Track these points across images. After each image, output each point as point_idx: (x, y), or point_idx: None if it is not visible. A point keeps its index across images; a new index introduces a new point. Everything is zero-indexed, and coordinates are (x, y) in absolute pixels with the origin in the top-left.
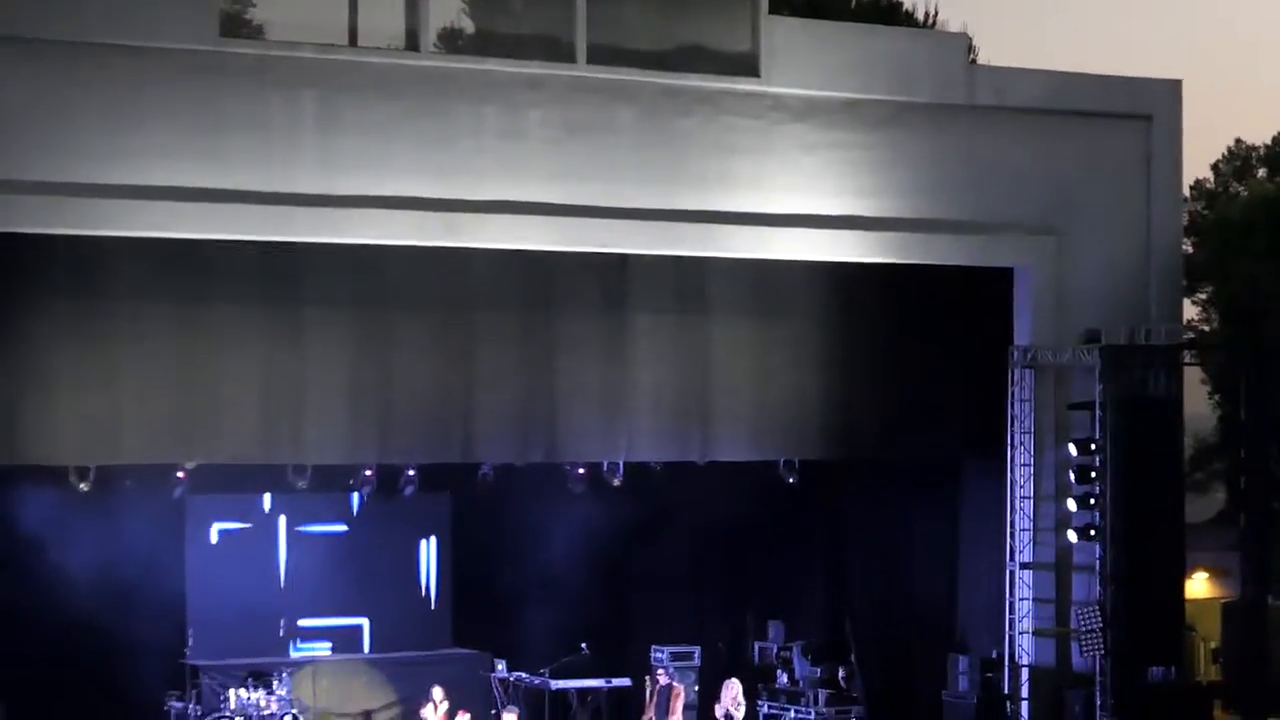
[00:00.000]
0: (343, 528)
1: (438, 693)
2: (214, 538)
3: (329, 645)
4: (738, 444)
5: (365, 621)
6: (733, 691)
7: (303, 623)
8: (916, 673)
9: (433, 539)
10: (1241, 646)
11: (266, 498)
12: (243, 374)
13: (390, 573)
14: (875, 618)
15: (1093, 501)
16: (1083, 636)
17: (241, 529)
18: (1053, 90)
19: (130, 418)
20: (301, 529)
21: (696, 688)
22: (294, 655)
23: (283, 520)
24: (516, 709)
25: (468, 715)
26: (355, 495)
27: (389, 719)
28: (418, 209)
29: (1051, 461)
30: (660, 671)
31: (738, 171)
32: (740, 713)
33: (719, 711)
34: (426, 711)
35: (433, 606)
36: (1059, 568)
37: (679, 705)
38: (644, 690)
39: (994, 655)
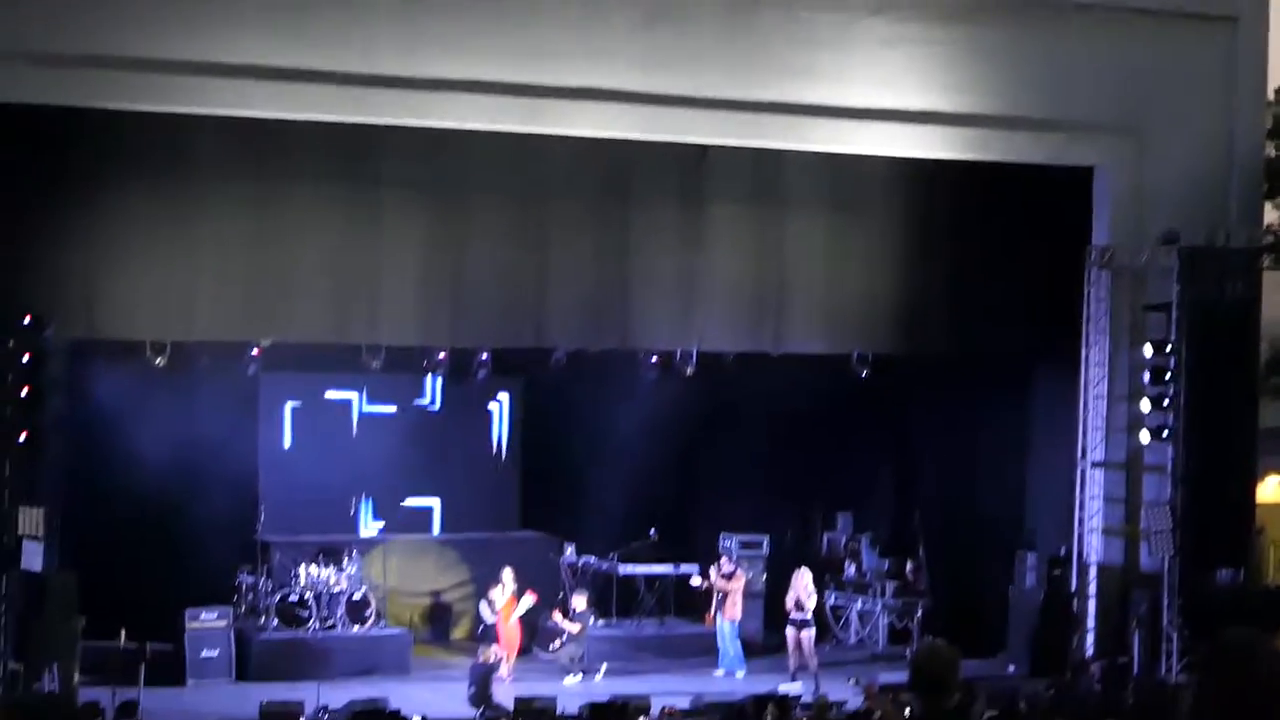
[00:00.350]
0: (415, 409)
1: (508, 574)
2: (287, 416)
3: (400, 525)
4: (810, 336)
5: (436, 502)
6: (803, 580)
7: (374, 503)
8: (983, 568)
9: (504, 424)
10: None
11: (340, 377)
12: (318, 254)
13: (461, 455)
14: (944, 512)
15: (1166, 403)
16: (1152, 536)
17: (314, 408)
18: None
19: (206, 294)
20: (374, 410)
21: (764, 577)
22: (364, 534)
23: (356, 400)
24: (586, 592)
25: (534, 597)
26: (429, 378)
27: (458, 599)
28: (498, 94)
29: (1125, 362)
30: (724, 558)
31: (819, 65)
32: (811, 602)
33: (789, 601)
34: (495, 592)
35: (502, 490)
36: (1130, 468)
37: (738, 590)
38: (706, 577)
39: (1062, 553)
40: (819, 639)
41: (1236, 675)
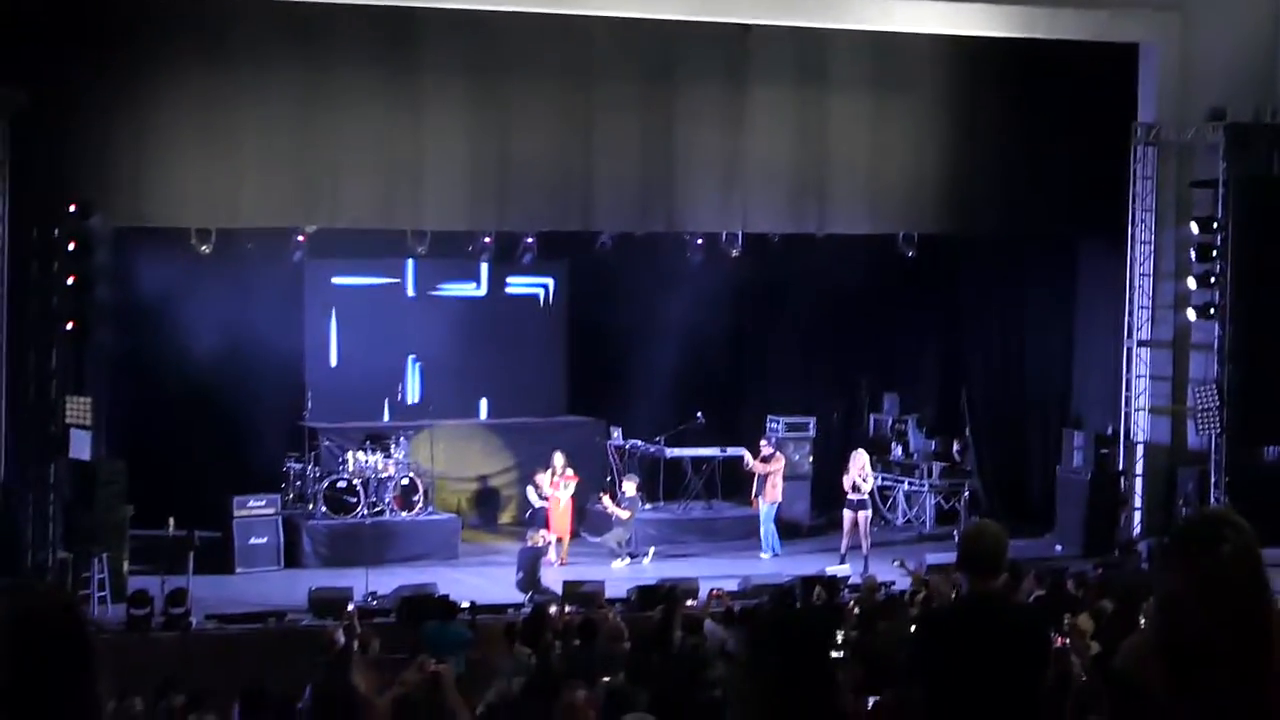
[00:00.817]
0: (461, 294)
1: (559, 458)
2: (333, 302)
3: (446, 410)
4: (855, 217)
5: (484, 386)
6: (860, 463)
7: (420, 387)
8: (1031, 447)
9: (551, 306)
10: None
11: (386, 263)
12: (362, 139)
13: (508, 339)
14: (991, 392)
15: (1213, 280)
16: (1199, 414)
17: (360, 293)
18: None
19: (251, 181)
20: (420, 295)
21: (811, 459)
22: (411, 419)
23: (402, 285)
24: (634, 477)
25: (575, 479)
26: (479, 264)
27: (505, 484)
28: None
29: (1171, 240)
30: (763, 442)
31: None
32: (868, 485)
33: (846, 482)
34: (543, 477)
35: (549, 374)
36: (1176, 346)
37: (777, 473)
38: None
39: (1109, 431)
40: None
41: (1199, 562)
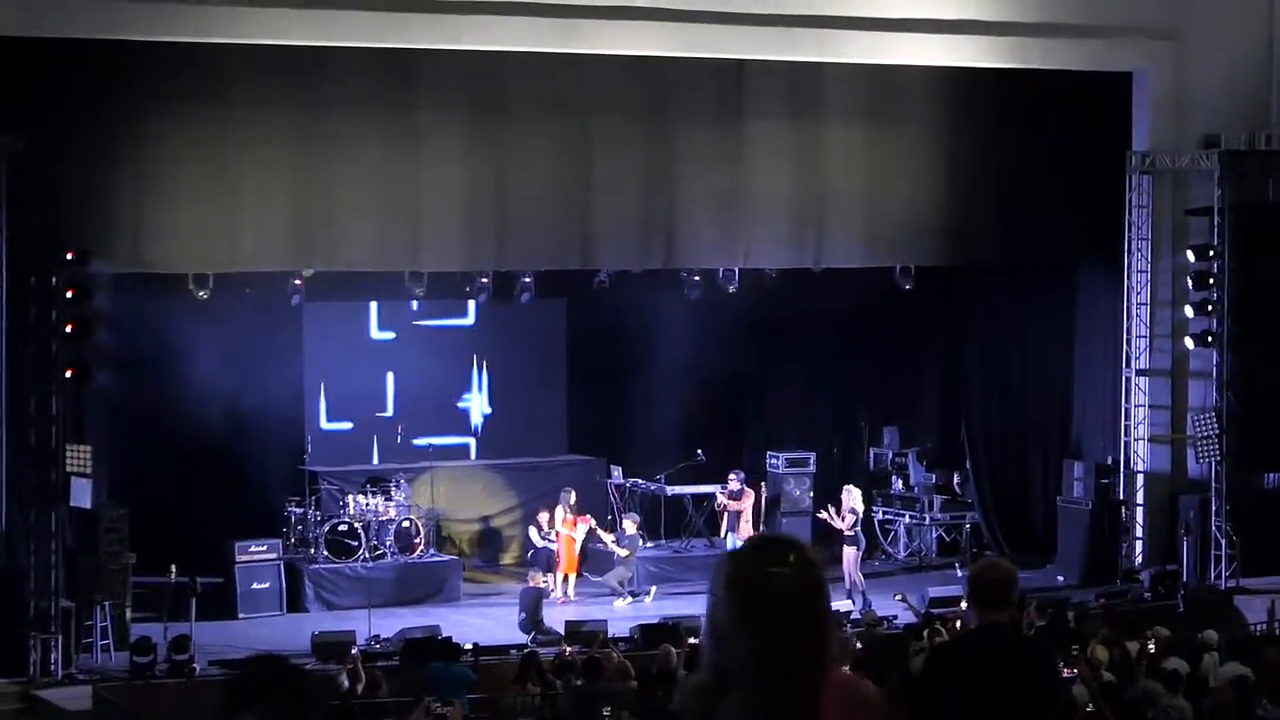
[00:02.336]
0: (459, 333)
1: (571, 496)
2: (331, 345)
3: (446, 451)
4: (852, 250)
5: (480, 426)
6: (849, 498)
7: (419, 429)
8: (1031, 478)
9: (547, 345)
10: None
11: (384, 305)
12: (359, 181)
13: (506, 379)
14: (990, 423)
15: (1210, 308)
16: (1198, 442)
17: (359, 336)
18: None
19: (248, 225)
20: (418, 336)
21: (811, 493)
22: (411, 462)
23: (400, 326)
24: (635, 515)
25: (589, 523)
26: (472, 303)
27: (506, 524)
28: (534, 14)
29: (1168, 267)
30: (731, 477)
31: None
32: (849, 520)
33: (842, 523)
34: (544, 516)
35: (547, 412)
36: (1175, 374)
37: (747, 509)
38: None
39: (1109, 461)
40: (868, 554)
41: (748, 591)
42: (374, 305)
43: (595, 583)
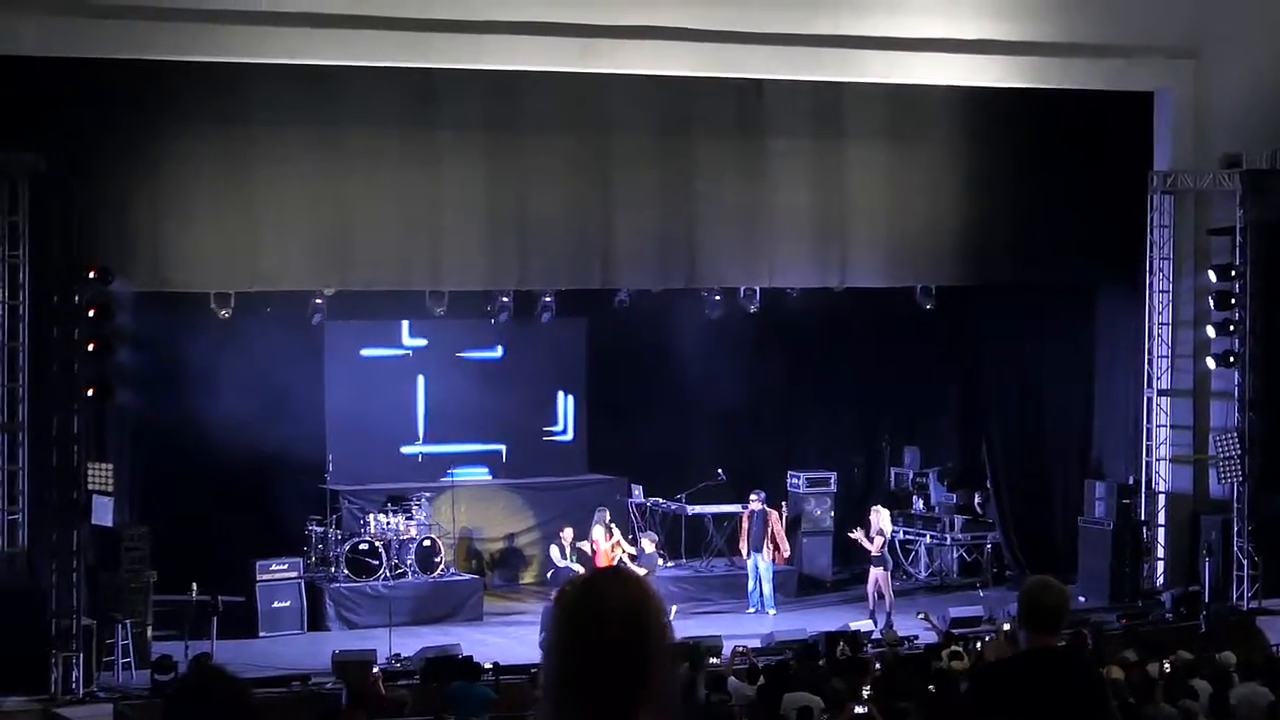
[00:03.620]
0: (481, 354)
1: (606, 515)
2: (353, 364)
3: (467, 470)
4: (874, 269)
5: (503, 447)
6: (877, 519)
7: (441, 448)
8: (1052, 498)
9: (570, 364)
10: None
11: (404, 324)
12: (380, 200)
13: (527, 399)
14: (1012, 444)
15: (1232, 328)
16: (1220, 463)
17: (380, 355)
18: None
19: (269, 244)
20: (440, 355)
21: (833, 513)
22: (432, 480)
23: (421, 346)
24: (654, 534)
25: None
26: (493, 321)
27: (527, 543)
28: (553, 34)
29: (1190, 287)
30: (753, 497)
31: None
32: (878, 541)
33: (872, 545)
34: (595, 530)
35: (569, 432)
36: (1197, 394)
37: (778, 528)
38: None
39: (1130, 482)
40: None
41: (578, 610)
42: (405, 324)
43: None
